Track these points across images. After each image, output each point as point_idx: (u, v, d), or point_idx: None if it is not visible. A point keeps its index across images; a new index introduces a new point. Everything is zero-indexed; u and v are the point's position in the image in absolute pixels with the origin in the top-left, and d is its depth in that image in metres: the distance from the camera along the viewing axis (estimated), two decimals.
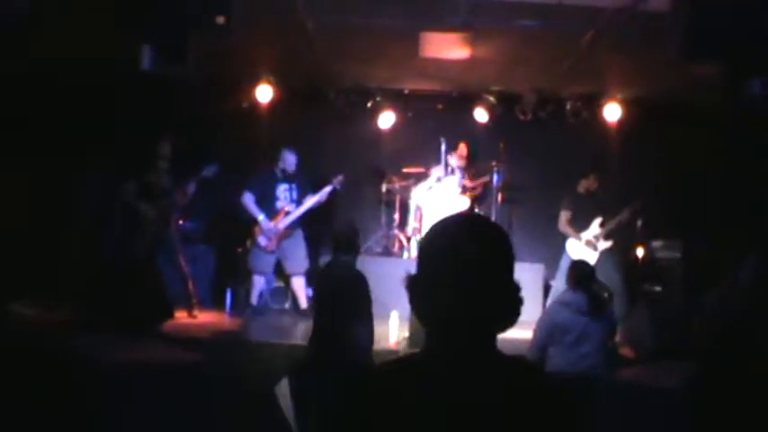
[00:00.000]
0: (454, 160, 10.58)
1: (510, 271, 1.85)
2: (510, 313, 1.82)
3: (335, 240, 6.16)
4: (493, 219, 10.60)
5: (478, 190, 10.77)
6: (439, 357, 1.78)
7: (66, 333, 6.18)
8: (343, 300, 5.80)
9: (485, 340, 1.80)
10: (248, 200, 9.59)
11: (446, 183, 10.38)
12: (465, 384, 1.73)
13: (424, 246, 1.87)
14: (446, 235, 1.86)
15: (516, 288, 1.83)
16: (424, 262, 1.85)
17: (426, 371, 1.77)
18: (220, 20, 6.34)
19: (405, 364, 1.88)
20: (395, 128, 11.30)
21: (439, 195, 10.29)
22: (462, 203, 10.28)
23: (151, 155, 9.32)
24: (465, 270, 1.77)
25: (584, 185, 9.64)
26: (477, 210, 10.56)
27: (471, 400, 1.70)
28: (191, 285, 9.34)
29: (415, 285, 1.83)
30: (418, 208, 10.43)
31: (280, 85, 10.73)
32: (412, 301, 1.83)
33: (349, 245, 6.10)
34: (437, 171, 10.38)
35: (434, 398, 1.71)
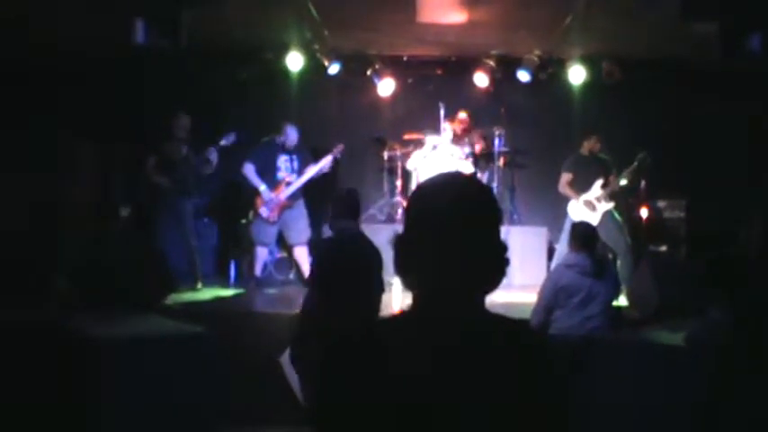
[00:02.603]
0: (450, 126, 10.50)
1: (496, 230, 1.82)
2: (496, 273, 1.80)
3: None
4: (495, 184, 10.59)
5: (480, 155, 10.72)
6: (424, 317, 1.77)
7: (69, 308, 6.18)
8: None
9: (471, 300, 1.79)
10: (249, 170, 9.57)
11: (441, 150, 10.28)
12: (451, 343, 1.71)
13: (411, 206, 1.85)
14: (431, 195, 1.84)
15: (503, 247, 1.80)
16: (410, 222, 1.83)
17: (411, 330, 1.76)
18: None
19: (390, 325, 1.87)
20: (395, 95, 11.24)
21: (435, 163, 10.20)
22: (465, 169, 10.22)
23: (166, 127, 9.35)
24: (450, 230, 1.75)
25: (586, 147, 9.58)
26: (479, 175, 10.51)
27: (458, 359, 1.69)
28: (197, 260, 9.38)
29: (400, 245, 1.81)
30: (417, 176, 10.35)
31: (278, 54, 10.67)
32: (396, 260, 1.82)
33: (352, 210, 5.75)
34: (432, 139, 10.27)
35: (420, 357, 1.70)
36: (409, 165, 10.37)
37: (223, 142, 9.33)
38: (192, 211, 9.61)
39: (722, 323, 4.53)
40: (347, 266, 5.50)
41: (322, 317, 5.40)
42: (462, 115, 10.70)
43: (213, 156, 9.30)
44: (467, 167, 10.24)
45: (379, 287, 5.65)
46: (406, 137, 10.76)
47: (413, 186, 10.23)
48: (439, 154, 10.24)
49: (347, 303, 5.31)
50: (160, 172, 9.25)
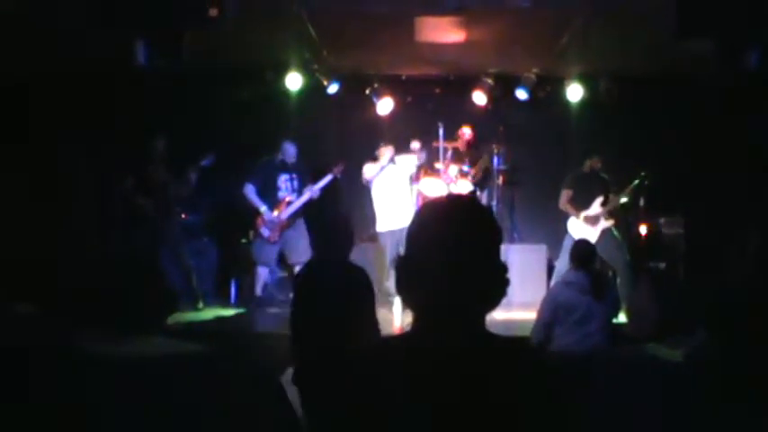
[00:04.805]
0: (450, 146, 10.50)
1: (496, 251, 1.85)
2: (496, 293, 1.82)
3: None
4: (495, 201, 10.60)
5: (479, 174, 10.71)
6: (426, 337, 1.79)
7: (68, 329, 6.18)
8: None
9: (472, 319, 1.81)
10: (250, 191, 9.59)
11: (400, 163, 10.16)
12: (452, 363, 1.73)
13: (412, 228, 1.88)
14: (433, 216, 1.87)
15: (503, 268, 1.83)
16: (411, 243, 1.85)
17: (413, 350, 1.78)
18: (213, 12, 6.33)
19: (392, 344, 1.89)
20: (394, 113, 11.24)
21: (391, 176, 10.09)
22: (463, 187, 10.22)
23: (149, 149, 9.38)
24: (451, 251, 1.78)
25: (588, 165, 9.61)
26: (478, 193, 10.51)
27: (459, 378, 1.71)
28: (193, 279, 9.40)
29: (402, 266, 1.84)
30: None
31: (278, 74, 10.70)
32: (398, 281, 1.84)
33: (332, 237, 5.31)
34: (388, 151, 10.04)
35: (422, 376, 1.72)
36: (364, 173, 10.10)
37: (203, 163, 9.41)
38: (181, 230, 9.69)
39: (707, 343, 4.54)
40: (312, 296, 5.20)
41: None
42: (466, 130, 10.71)
43: (192, 179, 9.39)
44: (465, 186, 10.24)
45: (358, 322, 5.09)
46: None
47: (374, 199, 10.06)
48: (397, 168, 10.14)
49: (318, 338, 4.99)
50: (141, 194, 9.29)
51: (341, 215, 5.80)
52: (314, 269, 5.42)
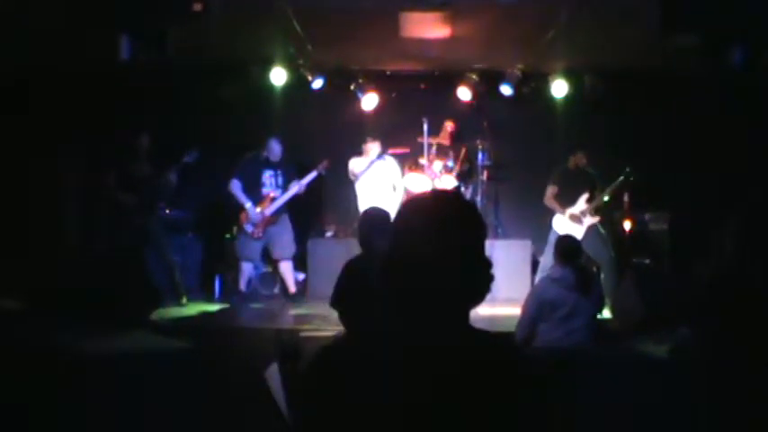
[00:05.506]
0: (435, 141, 10.50)
1: (481, 247, 1.85)
2: (480, 289, 1.82)
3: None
4: (479, 197, 10.60)
5: (463, 169, 10.72)
6: (409, 332, 1.78)
7: (53, 325, 6.17)
8: None
9: (456, 315, 1.81)
10: (236, 187, 9.59)
11: (389, 161, 10.25)
12: (435, 359, 1.73)
13: (396, 223, 1.88)
14: (417, 212, 1.87)
15: (487, 264, 1.83)
16: (395, 239, 1.85)
17: (395, 343, 1.78)
18: (197, 7, 6.32)
19: (375, 339, 1.89)
20: (378, 109, 11.21)
21: (377, 173, 10.17)
22: (447, 183, 10.22)
23: (132, 145, 9.35)
24: (435, 246, 1.78)
25: (572, 161, 9.61)
26: (462, 189, 10.52)
27: (442, 374, 1.70)
28: (177, 275, 9.38)
29: (385, 260, 1.84)
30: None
31: (262, 69, 10.67)
32: (382, 275, 1.84)
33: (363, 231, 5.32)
34: (375, 146, 10.16)
35: (405, 372, 1.71)
36: (353, 168, 10.23)
37: (186, 159, 9.37)
38: (165, 226, 9.67)
39: (691, 340, 4.57)
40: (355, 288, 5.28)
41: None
42: (449, 124, 10.71)
43: (173, 176, 9.35)
44: (450, 181, 10.24)
45: None
46: (392, 151, 10.73)
47: (358, 195, 10.08)
48: (383, 165, 10.21)
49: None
50: (124, 191, 9.24)
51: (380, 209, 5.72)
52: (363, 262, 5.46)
